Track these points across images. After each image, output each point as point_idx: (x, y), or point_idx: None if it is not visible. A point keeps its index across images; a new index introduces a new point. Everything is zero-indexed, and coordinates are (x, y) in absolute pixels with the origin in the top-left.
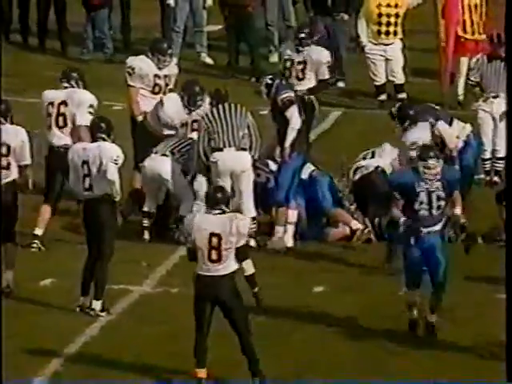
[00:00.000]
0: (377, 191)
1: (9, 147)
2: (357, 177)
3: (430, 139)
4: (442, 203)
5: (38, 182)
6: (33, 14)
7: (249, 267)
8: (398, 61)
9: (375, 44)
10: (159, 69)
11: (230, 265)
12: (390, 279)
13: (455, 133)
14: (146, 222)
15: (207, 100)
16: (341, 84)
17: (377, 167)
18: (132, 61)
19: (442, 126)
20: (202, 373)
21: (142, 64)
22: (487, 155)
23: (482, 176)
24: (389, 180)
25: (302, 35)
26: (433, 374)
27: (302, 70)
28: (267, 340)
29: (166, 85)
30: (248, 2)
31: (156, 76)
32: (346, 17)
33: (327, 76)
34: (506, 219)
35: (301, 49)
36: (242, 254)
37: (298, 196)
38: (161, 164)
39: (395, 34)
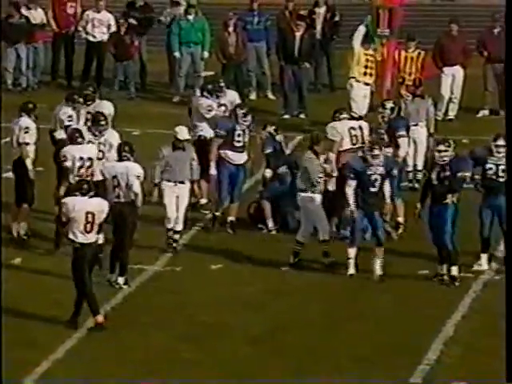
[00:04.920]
0: (330, 199)
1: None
2: None
3: None
4: None
5: None
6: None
7: (102, 238)
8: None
9: (359, 82)
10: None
11: (95, 236)
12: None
13: None
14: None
15: None
16: (302, 115)
17: None
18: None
19: None
20: (101, 317)
21: None
22: (410, 168)
23: (406, 183)
24: None
25: (219, 85)
26: None
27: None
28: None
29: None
30: (240, 54)
31: None
32: (308, 65)
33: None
34: (506, 218)
35: (219, 95)
36: (101, 228)
37: None
38: None
39: (371, 75)
